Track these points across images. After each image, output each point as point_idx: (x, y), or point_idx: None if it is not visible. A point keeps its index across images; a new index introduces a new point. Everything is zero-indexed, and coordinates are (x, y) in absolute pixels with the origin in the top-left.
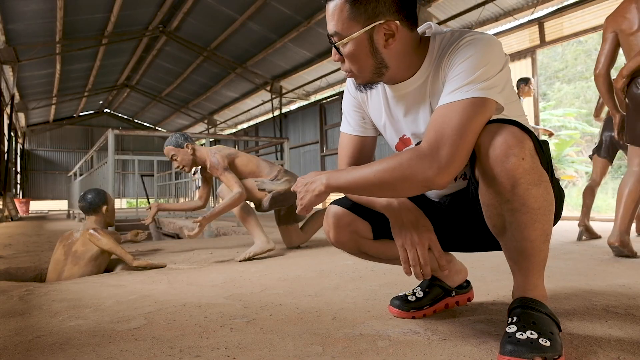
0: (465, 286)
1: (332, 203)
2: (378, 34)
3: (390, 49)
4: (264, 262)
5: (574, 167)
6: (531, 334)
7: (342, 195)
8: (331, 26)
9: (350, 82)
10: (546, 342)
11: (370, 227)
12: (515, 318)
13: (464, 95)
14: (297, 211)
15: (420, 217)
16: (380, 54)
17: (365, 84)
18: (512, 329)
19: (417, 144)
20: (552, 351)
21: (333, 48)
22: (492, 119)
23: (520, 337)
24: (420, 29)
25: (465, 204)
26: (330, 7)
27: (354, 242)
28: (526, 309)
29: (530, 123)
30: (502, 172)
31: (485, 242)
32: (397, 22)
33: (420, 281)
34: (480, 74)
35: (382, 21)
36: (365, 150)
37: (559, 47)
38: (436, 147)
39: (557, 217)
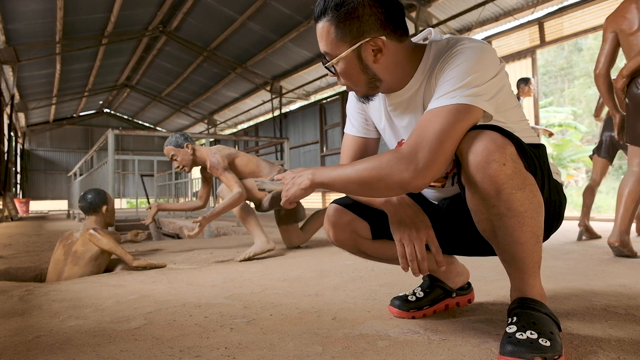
0: (466, 287)
1: (332, 202)
2: (366, 51)
3: (381, 63)
4: (264, 262)
5: (574, 166)
6: (531, 334)
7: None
8: (321, 46)
9: None
10: (546, 342)
11: (369, 227)
12: (515, 318)
13: (449, 101)
14: (281, 203)
15: (418, 212)
16: (371, 69)
17: (364, 97)
18: (512, 329)
19: None
20: (552, 351)
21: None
22: (478, 124)
23: (520, 337)
24: (421, 36)
25: (463, 208)
26: (319, 29)
27: (353, 241)
28: (526, 309)
29: (530, 124)
30: (485, 178)
31: (483, 246)
32: (383, 37)
33: (422, 281)
34: (469, 81)
35: (367, 39)
36: (368, 151)
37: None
38: (415, 151)
39: (559, 221)
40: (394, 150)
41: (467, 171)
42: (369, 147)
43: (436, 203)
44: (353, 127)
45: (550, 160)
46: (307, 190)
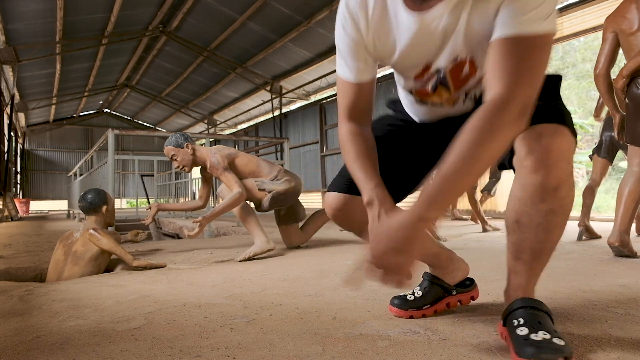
0: (469, 284)
1: (328, 189)
2: None
3: None
4: (264, 262)
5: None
6: (544, 334)
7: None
8: None
9: (344, 13)
10: (560, 341)
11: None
12: (521, 320)
13: (539, 27)
14: (396, 285)
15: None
16: None
17: None
18: (523, 331)
19: (439, 75)
20: (568, 350)
21: None
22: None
23: (536, 338)
24: None
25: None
26: None
27: (351, 221)
28: (529, 309)
29: None
30: (549, 174)
31: None
32: None
33: (421, 279)
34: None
35: None
36: (364, 95)
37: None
38: (515, 92)
39: None
40: (488, 105)
41: (530, 163)
42: (366, 89)
43: (426, 123)
44: (349, 70)
45: None
46: (418, 239)
